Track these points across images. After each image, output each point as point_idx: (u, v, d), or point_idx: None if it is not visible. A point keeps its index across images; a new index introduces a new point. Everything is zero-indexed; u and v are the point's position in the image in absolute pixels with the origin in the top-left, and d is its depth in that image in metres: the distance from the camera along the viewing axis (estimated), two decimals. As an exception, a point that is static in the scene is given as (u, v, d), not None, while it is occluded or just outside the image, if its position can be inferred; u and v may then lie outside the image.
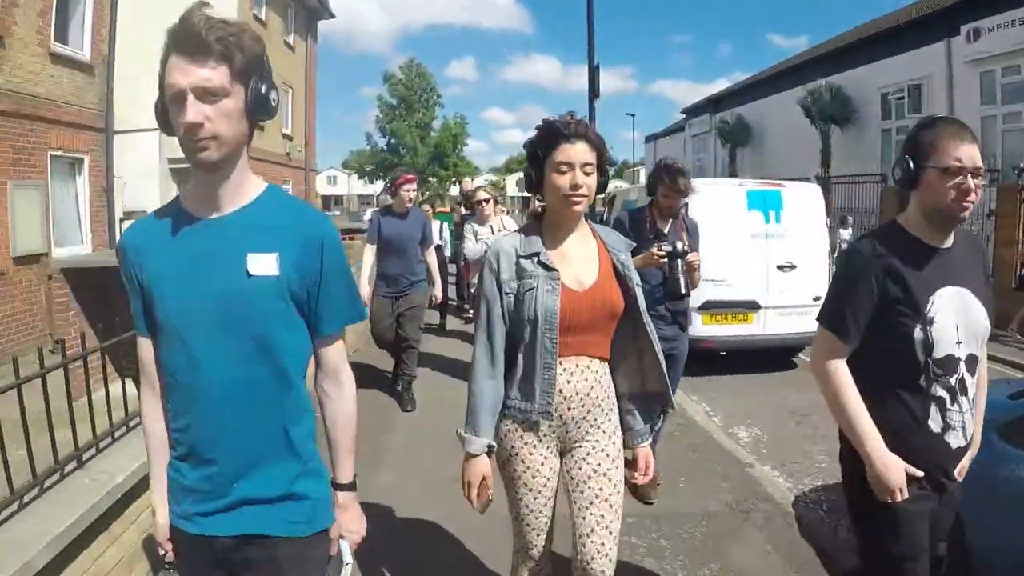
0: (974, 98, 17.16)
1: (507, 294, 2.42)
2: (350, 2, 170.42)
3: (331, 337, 1.91)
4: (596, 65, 10.40)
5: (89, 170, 12.69)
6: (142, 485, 3.35)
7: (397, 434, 6.18)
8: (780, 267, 8.38)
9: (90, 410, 3.39)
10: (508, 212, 11.60)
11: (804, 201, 8.73)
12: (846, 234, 16.64)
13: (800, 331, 8.54)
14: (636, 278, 2.53)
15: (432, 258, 7.10)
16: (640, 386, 2.63)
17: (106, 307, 6.29)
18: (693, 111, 37.29)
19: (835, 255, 16.33)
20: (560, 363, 2.40)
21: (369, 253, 6.86)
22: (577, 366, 2.43)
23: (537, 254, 2.41)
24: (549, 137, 2.37)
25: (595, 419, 2.50)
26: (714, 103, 34.26)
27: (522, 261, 2.42)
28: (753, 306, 8.35)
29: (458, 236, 10.91)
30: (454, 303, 12.20)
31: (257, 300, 1.71)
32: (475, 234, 7.36)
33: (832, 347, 2.39)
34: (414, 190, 6.77)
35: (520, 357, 2.45)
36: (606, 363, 2.52)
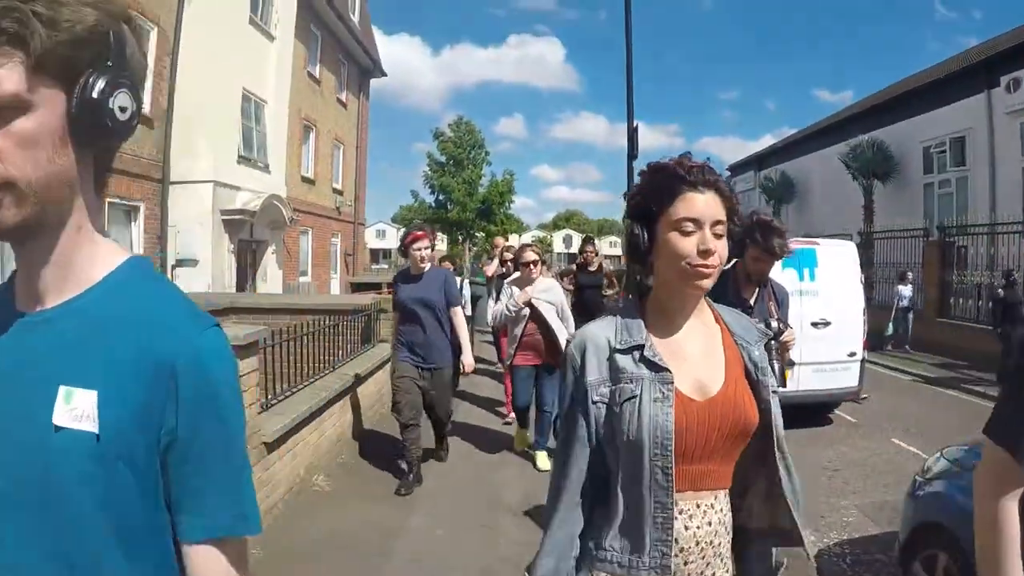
0: (1016, 149, 17.12)
1: (596, 403, 1.70)
2: (403, 59, 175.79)
3: (198, 545, 1.04)
4: (635, 127, 10.63)
5: (144, 218, 13.25)
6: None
7: (428, 479, 6.25)
8: (814, 324, 8.38)
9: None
10: (549, 268, 11.45)
11: (839, 258, 8.76)
12: (905, 290, 16.11)
13: (835, 387, 8.55)
14: (773, 382, 1.80)
15: (459, 319, 6.26)
16: (768, 522, 1.90)
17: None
18: (738, 168, 37.46)
19: (893, 312, 15.92)
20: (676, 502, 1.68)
21: (394, 318, 6.52)
22: (698, 506, 1.71)
23: (640, 347, 1.69)
24: (666, 185, 1.69)
25: (715, 572, 1.78)
26: (758, 160, 34.42)
27: (618, 357, 1.70)
28: (787, 362, 8.34)
29: (491, 294, 9.94)
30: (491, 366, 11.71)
31: (62, 472, 0.96)
32: (510, 296, 6.61)
33: (1005, 473, 1.63)
34: (426, 248, 5.97)
35: (619, 492, 1.72)
36: (727, 494, 1.81)
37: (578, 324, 9.34)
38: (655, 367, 1.67)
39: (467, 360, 6.29)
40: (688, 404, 1.66)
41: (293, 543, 4.82)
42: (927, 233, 17.17)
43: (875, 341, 9.55)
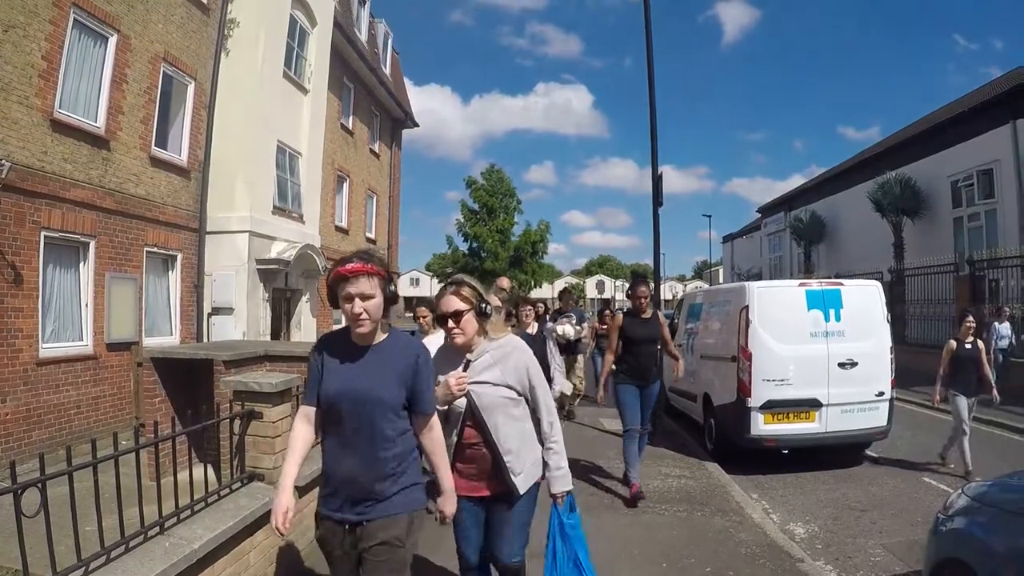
0: (1043, 177, 16.94)
1: None
2: (434, 109, 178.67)
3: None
4: (660, 175, 10.73)
5: (181, 267, 13.60)
6: (217, 552, 3.75)
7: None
8: (841, 364, 8.40)
9: (175, 486, 3.78)
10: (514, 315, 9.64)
11: (864, 298, 8.78)
12: (1004, 328, 14.34)
13: (863, 427, 8.51)
14: None
15: (436, 434, 3.21)
16: None
17: (191, 395, 6.79)
18: (768, 209, 37.46)
19: (992, 355, 13.07)
20: None
21: (300, 423, 3.24)
22: None
23: None
24: None
25: None
26: (788, 201, 34.40)
27: None
28: (815, 404, 8.36)
29: None
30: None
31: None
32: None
33: None
34: (368, 296, 2.94)
35: None
36: None
37: (623, 391, 7.26)
38: None
39: (446, 508, 3.26)
40: None
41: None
42: (957, 267, 17.01)
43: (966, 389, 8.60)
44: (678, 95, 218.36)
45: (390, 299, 3.02)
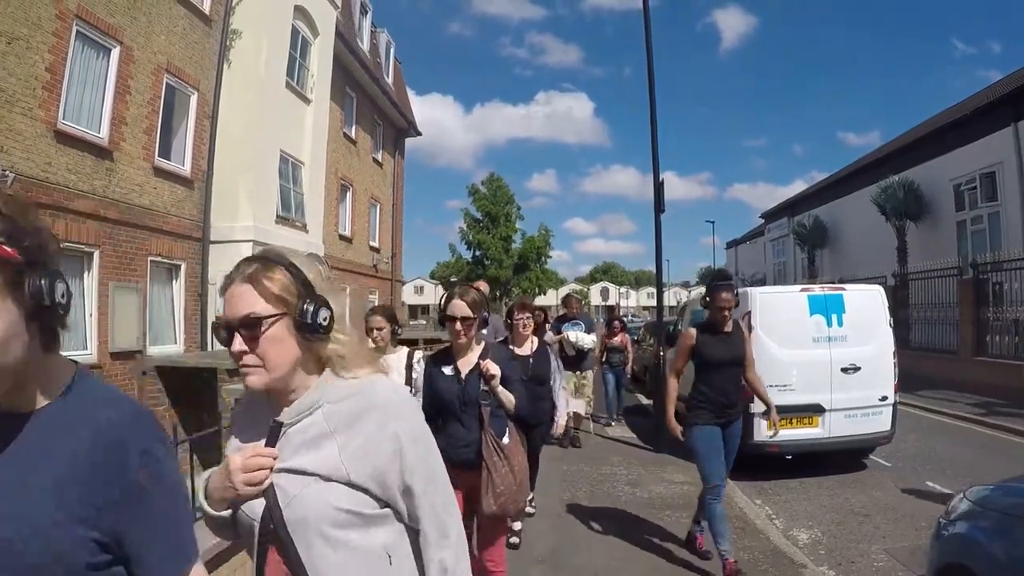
0: (1046, 179, 16.86)
1: None
2: (436, 118, 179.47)
3: None
4: (661, 182, 10.69)
5: (185, 276, 13.68)
6: (218, 560, 3.72)
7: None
8: (844, 369, 8.37)
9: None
10: (546, 323, 8.49)
11: (866, 302, 8.75)
12: None
13: (867, 432, 8.48)
14: None
15: None
16: None
17: (194, 403, 6.82)
18: (771, 215, 37.50)
19: None
20: None
21: None
22: None
23: None
24: None
25: None
26: (791, 206, 34.41)
27: None
28: (818, 409, 8.33)
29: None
30: None
31: None
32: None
33: None
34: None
35: None
36: None
37: (700, 434, 5.52)
38: None
39: None
40: None
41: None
42: (961, 271, 16.96)
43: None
44: (679, 102, 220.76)
45: (37, 307, 1.13)
